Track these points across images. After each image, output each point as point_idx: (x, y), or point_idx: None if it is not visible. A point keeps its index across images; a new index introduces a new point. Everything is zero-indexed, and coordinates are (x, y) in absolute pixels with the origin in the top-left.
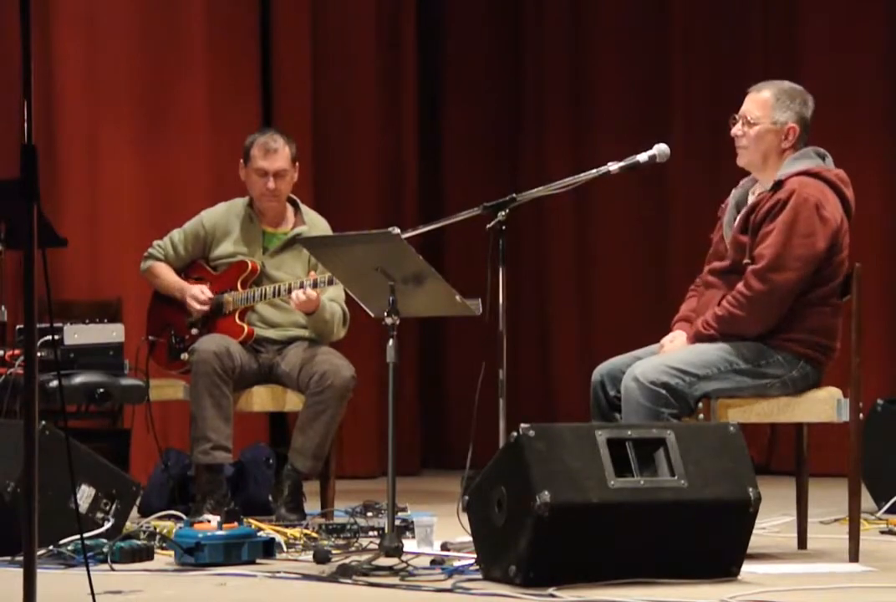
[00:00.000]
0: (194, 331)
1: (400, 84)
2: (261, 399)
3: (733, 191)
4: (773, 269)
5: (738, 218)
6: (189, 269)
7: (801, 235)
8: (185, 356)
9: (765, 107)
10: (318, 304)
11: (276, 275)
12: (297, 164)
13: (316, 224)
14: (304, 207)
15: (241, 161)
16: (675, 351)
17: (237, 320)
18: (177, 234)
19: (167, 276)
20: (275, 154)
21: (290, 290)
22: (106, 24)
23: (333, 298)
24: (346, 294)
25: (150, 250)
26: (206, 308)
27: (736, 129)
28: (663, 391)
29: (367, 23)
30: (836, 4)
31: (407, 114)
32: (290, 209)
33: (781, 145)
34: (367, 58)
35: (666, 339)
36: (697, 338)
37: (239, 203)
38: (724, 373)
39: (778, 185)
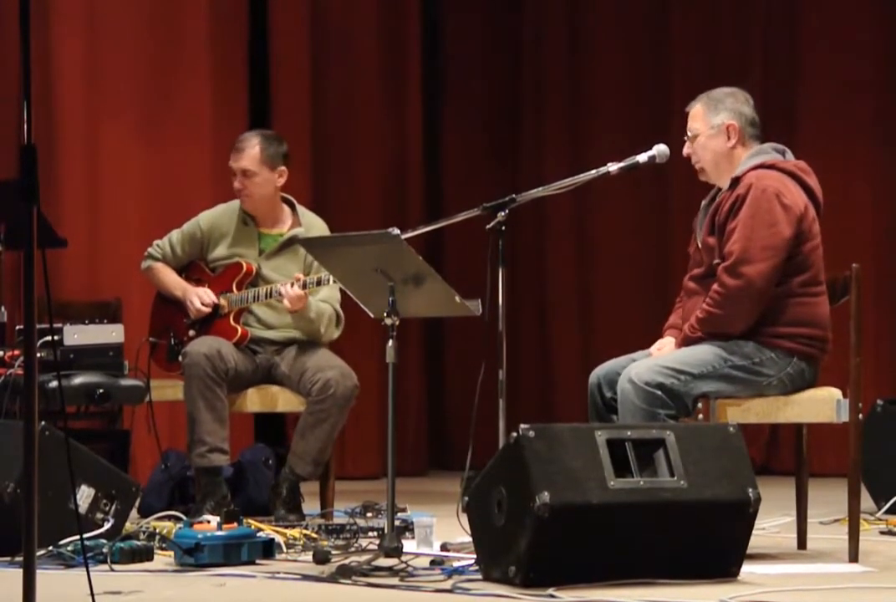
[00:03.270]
0: (192, 332)
1: (402, 83)
2: (255, 400)
3: (703, 201)
4: (743, 262)
5: (705, 221)
6: (188, 270)
7: (764, 226)
8: (181, 358)
9: (698, 117)
10: (306, 303)
11: (273, 276)
12: (277, 166)
13: (313, 225)
14: (300, 208)
15: None
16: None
17: (232, 322)
18: (175, 235)
19: (168, 275)
20: (240, 153)
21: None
22: (106, 23)
23: (325, 299)
24: (345, 295)
25: (150, 250)
26: (207, 310)
27: (685, 149)
28: (658, 392)
29: (368, 21)
30: (836, 5)
31: (409, 113)
32: (286, 210)
33: (727, 145)
34: (368, 56)
35: (654, 346)
36: (686, 342)
37: (235, 205)
38: (719, 370)
39: (735, 181)
